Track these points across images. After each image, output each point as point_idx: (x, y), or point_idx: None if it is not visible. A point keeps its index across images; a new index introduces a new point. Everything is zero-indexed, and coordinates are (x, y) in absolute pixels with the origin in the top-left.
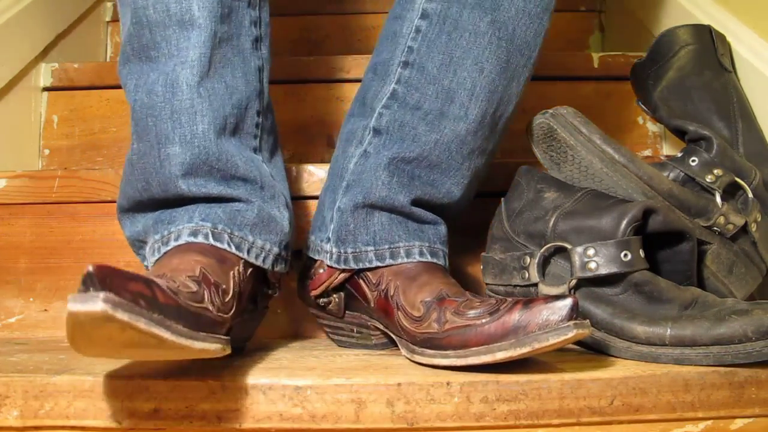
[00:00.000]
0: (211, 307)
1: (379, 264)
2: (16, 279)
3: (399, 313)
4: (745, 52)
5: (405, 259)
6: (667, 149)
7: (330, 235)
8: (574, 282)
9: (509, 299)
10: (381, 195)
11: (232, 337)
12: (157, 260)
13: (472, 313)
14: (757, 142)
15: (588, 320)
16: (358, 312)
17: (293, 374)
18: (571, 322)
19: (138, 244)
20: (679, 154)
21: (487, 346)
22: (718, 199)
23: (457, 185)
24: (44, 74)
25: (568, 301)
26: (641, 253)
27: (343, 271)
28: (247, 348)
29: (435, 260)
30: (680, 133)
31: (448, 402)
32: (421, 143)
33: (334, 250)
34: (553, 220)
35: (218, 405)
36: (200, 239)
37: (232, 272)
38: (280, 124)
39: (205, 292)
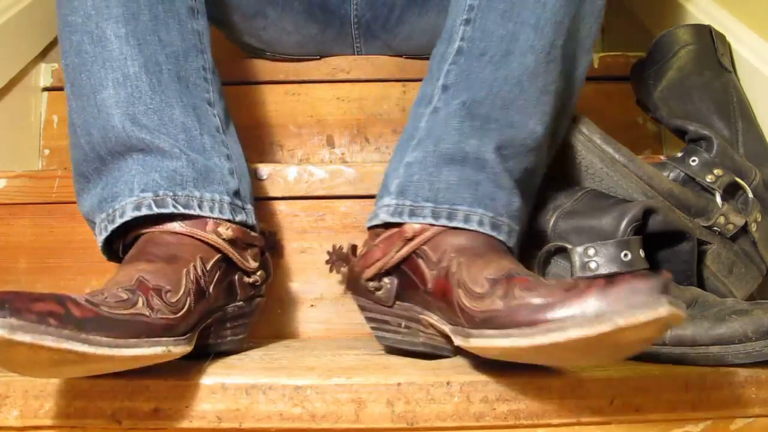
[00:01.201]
0: (148, 312)
1: (432, 222)
2: (16, 279)
3: (459, 291)
4: (745, 52)
5: (462, 224)
6: (667, 149)
7: (392, 189)
8: None
9: (587, 278)
10: (453, 141)
11: (220, 334)
12: (106, 239)
13: (544, 289)
14: (757, 142)
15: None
16: (409, 302)
17: (293, 374)
18: (664, 298)
19: (91, 224)
20: (679, 154)
21: (559, 323)
22: (718, 199)
23: (540, 123)
24: (44, 74)
25: (660, 278)
26: (641, 252)
27: (399, 228)
28: (244, 347)
29: (495, 233)
30: (680, 133)
31: (448, 402)
32: (489, 82)
33: (393, 202)
34: (553, 219)
35: (218, 405)
36: (144, 211)
37: (185, 270)
38: (280, 125)
39: (140, 298)
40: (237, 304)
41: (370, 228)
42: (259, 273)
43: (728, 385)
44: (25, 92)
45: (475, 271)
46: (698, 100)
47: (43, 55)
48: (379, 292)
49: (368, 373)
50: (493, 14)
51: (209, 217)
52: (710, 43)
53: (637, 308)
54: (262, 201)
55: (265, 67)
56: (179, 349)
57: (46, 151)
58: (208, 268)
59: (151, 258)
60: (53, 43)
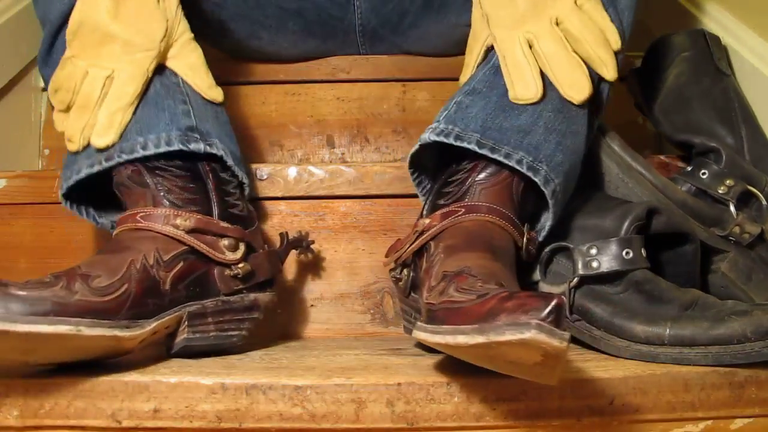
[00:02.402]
0: (63, 293)
1: (476, 149)
2: (16, 279)
3: (427, 283)
4: (746, 53)
5: (502, 159)
6: (667, 149)
7: (440, 118)
8: (576, 280)
9: (511, 289)
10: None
11: (199, 329)
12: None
13: (471, 292)
14: (762, 147)
15: (567, 333)
16: (417, 294)
17: (293, 374)
18: (535, 321)
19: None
20: (689, 168)
21: (454, 327)
22: (733, 209)
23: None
24: None
25: (549, 301)
26: (643, 251)
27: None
28: (242, 345)
29: (531, 174)
30: (686, 147)
31: (448, 402)
32: None
33: (441, 126)
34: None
35: (218, 405)
36: (96, 168)
37: (130, 259)
38: (280, 125)
39: (62, 282)
40: (220, 298)
41: (412, 158)
42: (241, 266)
43: (728, 385)
44: (25, 92)
45: (443, 266)
46: (699, 110)
47: None
48: (400, 283)
49: (368, 373)
50: None
51: (153, 157)
52: (706, 49)
53: (509, 327)
54: (262, 201)
55: (265, 67)
56: (98, 330)
57: (46, 151)
58: (165, 259)
59: (103, 251)
60: None
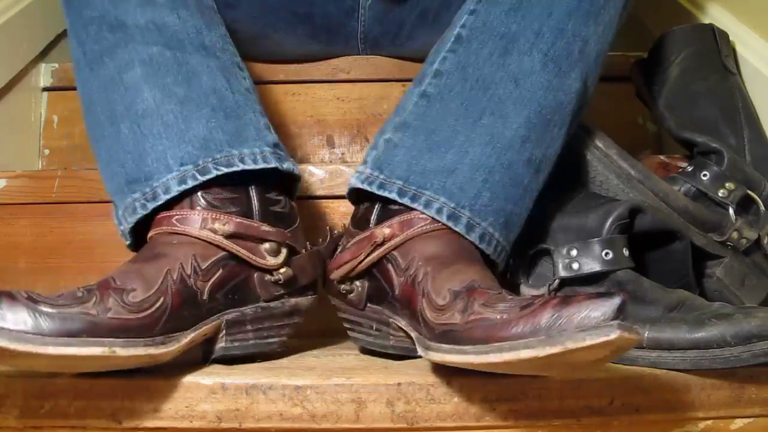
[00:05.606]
0: (95, 311)
1: (396, 198)
2: (15, 279)
3: (423, 300)
4: (747, 53)
5: (422, 208)
6: (667, 149)
7: (368, 159)
8: (556, 283)
9: (547, 295)
10: (444, 135)
11: (237, 337)
12: (137, 222)
13: (502, 305)
14: (763, 149)
15: (638, 326)
16: (380, 306)
17: (293, 374)
18: (615, 322)
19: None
20: (689, 168)
21: (511, 342)
22: (732, 214)
23: (533, 117)
24: (44, 74)
25: (615, 300)
26: (625, 251)
27: (373, 245)
28: (280, 351)
29: (451, 224)
30: (688, 145)
31: (448, 402)
32: (484, 76)
33: (367, 171)
34: (542, 218)
35: (218, 405)
36: (190, 183)
37: (167, 269)
38: (280, 125)
39: (95, 297)
40: (259, 305)
41: (349, 196)
42: (282, 271)
43: (728, 385)
44: (25, 92)
45: (440, 281)
46: (704, 107)
47: (43, 55)
48: (351, 295)
49: (368, 373)
50: (498, 10)
51: (255, 171)
52: (713, 45)
53: (587, 331)
54: None
55: (265, 67)
56: (132, 351)
57: (46, 151)
58: (203, 266)
59: (137, 259)
60: (53, 43)
